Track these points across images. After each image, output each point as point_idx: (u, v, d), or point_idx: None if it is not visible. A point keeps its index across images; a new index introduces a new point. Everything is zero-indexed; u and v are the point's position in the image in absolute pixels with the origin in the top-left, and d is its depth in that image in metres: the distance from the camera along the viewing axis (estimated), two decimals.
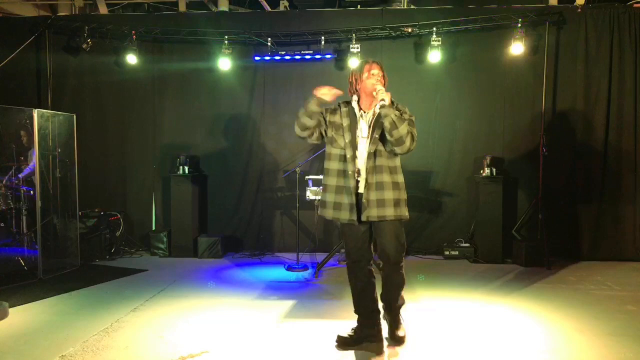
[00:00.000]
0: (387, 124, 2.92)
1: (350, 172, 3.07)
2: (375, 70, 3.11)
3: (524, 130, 6.20)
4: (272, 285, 4.94)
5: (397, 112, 2.95)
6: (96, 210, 6.26)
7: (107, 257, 6.09)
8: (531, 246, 5.70)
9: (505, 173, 6.12)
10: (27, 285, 4.78)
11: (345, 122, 3.11)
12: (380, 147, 3.07)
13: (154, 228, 6.61)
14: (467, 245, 6.11)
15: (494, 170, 5.95)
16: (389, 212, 3.03)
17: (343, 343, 3.18)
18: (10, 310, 3.97)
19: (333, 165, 3.15)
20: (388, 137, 2.96)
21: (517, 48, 5.88)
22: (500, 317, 3.95)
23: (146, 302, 4.34)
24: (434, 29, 5.94)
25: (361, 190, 3.08)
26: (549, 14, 6.01)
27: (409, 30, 6.18)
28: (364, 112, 3.14)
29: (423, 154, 6.28)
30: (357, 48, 5.97)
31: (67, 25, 6.50)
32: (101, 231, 6.09)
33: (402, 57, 6.31)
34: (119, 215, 6.38)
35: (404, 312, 3.44)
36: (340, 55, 6.30)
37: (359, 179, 3.09)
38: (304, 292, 4.69)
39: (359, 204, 3.07)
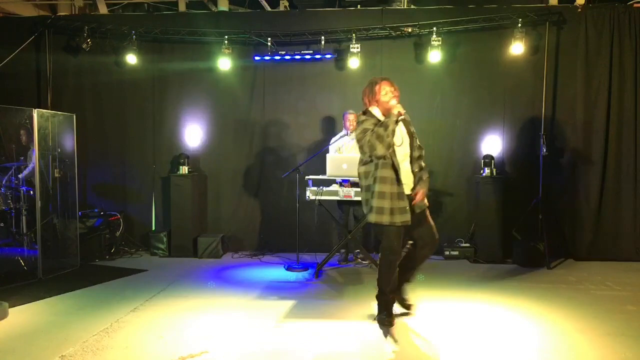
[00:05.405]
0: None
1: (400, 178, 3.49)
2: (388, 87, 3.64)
3: (524, 130, 6.20)
4: (272, 285, 4.94)
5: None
6: (96, 210, 6.27)
7: (107, 257, 6.09)
8: (531, 246, 5.70)
9: (505, 173, 6.13)
10: (27, 285, 4.78)
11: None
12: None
13: (154, 228, 6.62)
14: (467, 245, 6.11)
15: (494, 170, 5.95)
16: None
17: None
18: (10, 310, 3.97)
19: (386, 173, 3.48)
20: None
21: (517, 48, 5.88)
22: (500, 317, 3.95)
23: (146, 302, 4.34)
24: (434, 29, 5.94)
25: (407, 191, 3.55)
26: (549, 14, 6.01)
27: (409, 30, 6.17)
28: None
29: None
30: (357, 48, 5.97)
31: (67, 25, 6.50)
32: (101, 231, 6.09)
33: (402, 57, 6.30)
34: (119, 215, 6.38)
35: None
36: (340, 55, 6.30)
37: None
38: (304, 292, 4.69)
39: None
